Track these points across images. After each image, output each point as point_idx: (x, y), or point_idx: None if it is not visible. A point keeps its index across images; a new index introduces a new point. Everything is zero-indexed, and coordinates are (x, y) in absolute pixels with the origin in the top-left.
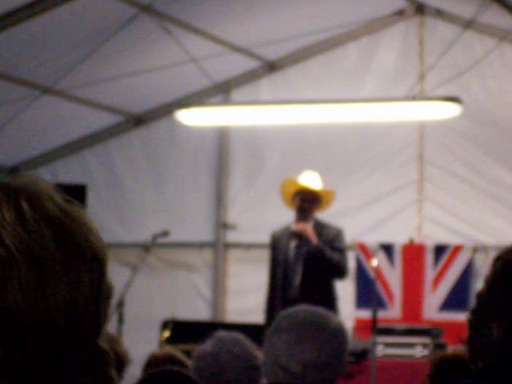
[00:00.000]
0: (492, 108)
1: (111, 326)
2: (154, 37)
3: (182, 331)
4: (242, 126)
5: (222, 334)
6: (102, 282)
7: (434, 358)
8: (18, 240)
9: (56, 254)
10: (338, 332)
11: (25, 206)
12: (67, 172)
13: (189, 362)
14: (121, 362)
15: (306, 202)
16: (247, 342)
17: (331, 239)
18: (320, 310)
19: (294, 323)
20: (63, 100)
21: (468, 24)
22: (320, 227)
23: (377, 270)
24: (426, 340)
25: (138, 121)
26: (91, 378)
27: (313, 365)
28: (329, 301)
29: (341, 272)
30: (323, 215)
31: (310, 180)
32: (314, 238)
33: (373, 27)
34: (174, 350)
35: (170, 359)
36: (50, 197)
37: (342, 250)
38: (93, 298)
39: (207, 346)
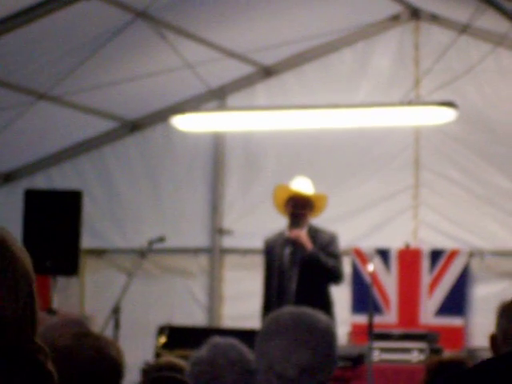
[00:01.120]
0: (487, 113)
1: (108, 332)
2: (149, 43)
3: (178, 337)
4: (237, 131)
5: (217, 339)
6: (34, 292)
7: (430, 363)
8: None
9: None
10: (328, 332)
11: None
12: (62, 178)
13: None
14: (115, 366)
15: (299, 207)
16: (243, 348)
17: (325, 244)
18: (306, 310)
19: (283, 327)
20: (59, 106)
21: (463, 29)
22: (314, 232)
23: (373, 275)
24: (422, 345)
25: (133, 127)
26: (33, 371)
27: (308, 368)
28: (325, 306)
29: (336, 277)
30: (319, 220)
31: (302, 185)
32: (308, 245)
33: (368, 32)
34: (175, 358)
35: (171, 367)
36: None
37: (336, 256)
38: (29, 304)
39: (203, 351)
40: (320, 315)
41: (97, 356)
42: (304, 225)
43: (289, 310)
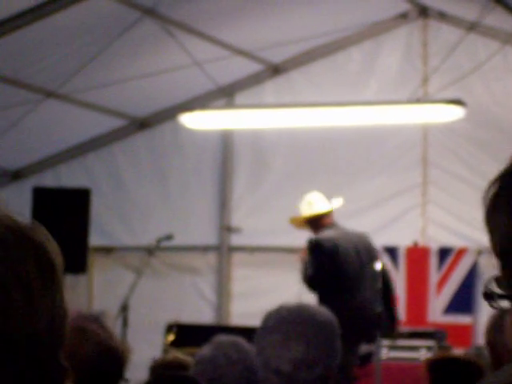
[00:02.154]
0: (495, 110)
1: (116, 330)
2: (157, 40)
3: (187, 335)
4: (245, 129)
5: (221, 338)
6: (64, 303)
7: (429, 359)
8: (7, 267)
9: (37, 279)
10: (326, 325)
11: (9, 236)
12: (71, 176)
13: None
14: (119, 357)
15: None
16: (247, 346)
17: None
18: (306, 304)
19: (280, 321)
20: (67, 104)
21: (471, 27)
22: None
23: None
24: (430, 343)
25: (141, 124)
26: None
27: (302, 362)
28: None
29: (306, 283)
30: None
31: (300, 210)
32: (301, 259)
33: (376, 30)
34: (182, 355)
35: (178, 364)
36: (29, 224)
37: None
38: (63, 314)
39: (206, 350)
40: (321, 309)
41: (96, 350)
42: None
43: (288, 304)
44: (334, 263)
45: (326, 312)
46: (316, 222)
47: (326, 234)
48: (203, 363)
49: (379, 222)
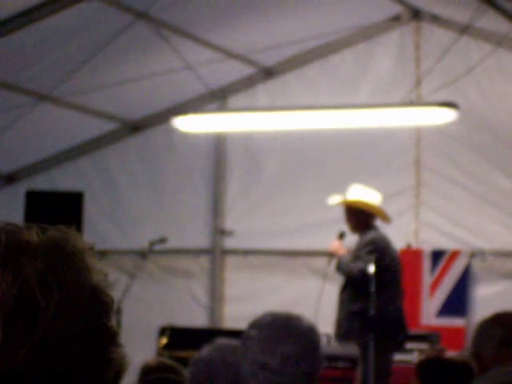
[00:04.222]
0: (488, 113)
1: None
2: (150, 44)
3: (180, 338)
4: (238, 132)
5: (221, 340)
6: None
7: (420, 360)
8: None
9: None
10: (311, 329)
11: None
12: (64, 179)
13: (182, 369)
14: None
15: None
16: None
17: (357, 248)
18: (289, 313)
19: (268, 322)
20: (60, 107)
21: (464, 29)
22: (360, 236)
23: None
24: (424, 345)
25: (134, 128)
26: None
27: (291, 357)
28: (366, 315)
29: (352, 280)
30: (323, 220)
31: (347, 195)
32: (336, 253)
33: (369, 33)
34: (167, 359)
35: (164, 367)
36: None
37: (358, 257)
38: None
39: (204, 351)
40: (303, 318)
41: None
42: (352, 231)
43: (270, 311)
44: (391, 264)
45: (307, 320)
46: (367, 218)
47: (379, 234)
48: (199, 365)
49: None
